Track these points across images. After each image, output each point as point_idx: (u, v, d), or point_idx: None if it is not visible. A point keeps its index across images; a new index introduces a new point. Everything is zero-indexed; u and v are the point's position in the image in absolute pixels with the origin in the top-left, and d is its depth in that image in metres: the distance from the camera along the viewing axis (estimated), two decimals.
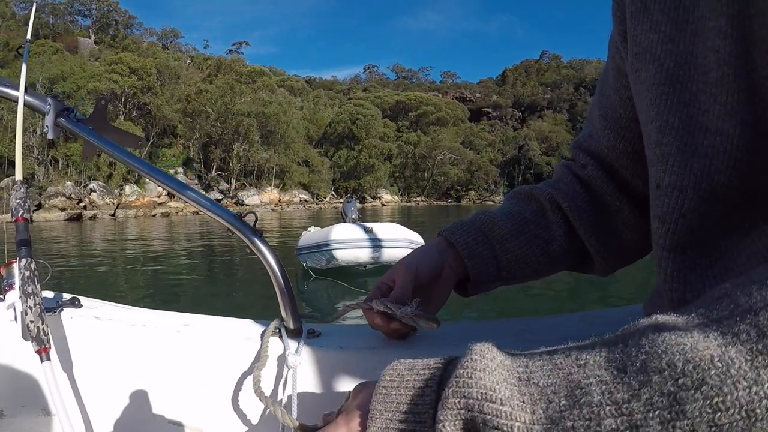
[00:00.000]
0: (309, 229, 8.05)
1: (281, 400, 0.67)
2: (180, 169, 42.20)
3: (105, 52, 49.84)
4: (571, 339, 0.71)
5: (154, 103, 41.11)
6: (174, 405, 0.72)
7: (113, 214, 30.17)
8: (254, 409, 0.69)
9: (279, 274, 0.70)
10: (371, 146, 56.64)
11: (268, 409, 0.54)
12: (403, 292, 0.64)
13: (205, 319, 0.80)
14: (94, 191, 32.11)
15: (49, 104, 0.92)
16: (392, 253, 7.08)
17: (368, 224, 7.26)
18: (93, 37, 61.43)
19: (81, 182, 32.64)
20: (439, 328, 0.60)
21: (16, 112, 0.92)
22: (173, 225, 23.12)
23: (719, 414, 0.24)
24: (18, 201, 0.78)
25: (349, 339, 0.72)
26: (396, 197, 59.67)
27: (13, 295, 0.71)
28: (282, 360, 0.69)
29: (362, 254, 6.97)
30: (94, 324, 0.76)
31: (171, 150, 43.27)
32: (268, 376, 0.69)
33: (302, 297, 6.37)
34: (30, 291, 0.68)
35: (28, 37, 1.07)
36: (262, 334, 0.72)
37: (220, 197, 41.74)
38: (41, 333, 0.66)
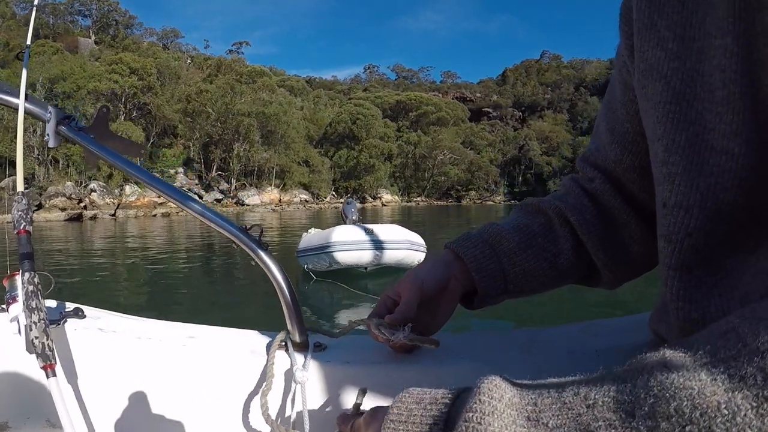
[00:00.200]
0: (309, 230, 8.04)
1: (289, 416, 0.67)
2: (180, 169, 42.21)
3: (105, 52, 49.85)
4: (577, 352, 0.71)
5: (154, 103, 41.11)
6: (180, 420, 0.72)
7: (113, 214, 30.16)
8: (262, 426, 0.69)
9: (285, 288, 0.70)
10: (371, 146, 56.63)
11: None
12: (409, 308, 0.64)
13: (209, 330, 0.80)
14: (95, 191, 32.11)
15: (50, 112, 0.91)
16: (393, 255, 7.07)
17: (369, 226, 7.25)
18: (93, 37, 61.44)
19: (81, 182, 32.65)
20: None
21: (16, 112, 0.91)
22: (173, 225, 23.12)
23: None
24: (20, 213, 0.77)
25: (355, 353, 0.71)
26: (396, 197, 59.65)
27: (17, 308, 0.71)
28: (289, 375, 0.68)
29: (363, 256, 6.96)
30: (99, 336, 0.76)
31: (171, 150, 43.27)
32: (275, 391, 0.68)
33: (303, 300, 6.36)
34: (34, 306, 0.68)
35: (28, 42, 1.06)
36: (268, 347, 0.71)
37: (221, 197, 41.75)
38: (46, 349, 0.65)
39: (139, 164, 0.88)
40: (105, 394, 0.74)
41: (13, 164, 29.07)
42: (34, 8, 1.10)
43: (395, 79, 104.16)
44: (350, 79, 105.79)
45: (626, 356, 0.72)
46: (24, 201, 0.80)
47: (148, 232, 19.09)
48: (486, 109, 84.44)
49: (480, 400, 0.33)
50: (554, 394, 0.32)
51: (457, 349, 0.72)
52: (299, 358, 0.69)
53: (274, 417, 0.62)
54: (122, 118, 38.37)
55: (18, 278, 0.73)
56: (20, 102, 0.89)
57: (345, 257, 6.88)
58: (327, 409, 0.67)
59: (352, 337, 0.77)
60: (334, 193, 54.37)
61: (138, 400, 0.72)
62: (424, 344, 0.61)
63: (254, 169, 45.57)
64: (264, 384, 0.64)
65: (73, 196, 30.14)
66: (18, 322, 0.70)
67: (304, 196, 49.66)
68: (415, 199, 61.99)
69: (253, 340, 0.76)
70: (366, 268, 7.15)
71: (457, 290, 0.68)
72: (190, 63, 58.46)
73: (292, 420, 0.66)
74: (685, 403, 0.26)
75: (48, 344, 0.66)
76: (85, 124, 0.94)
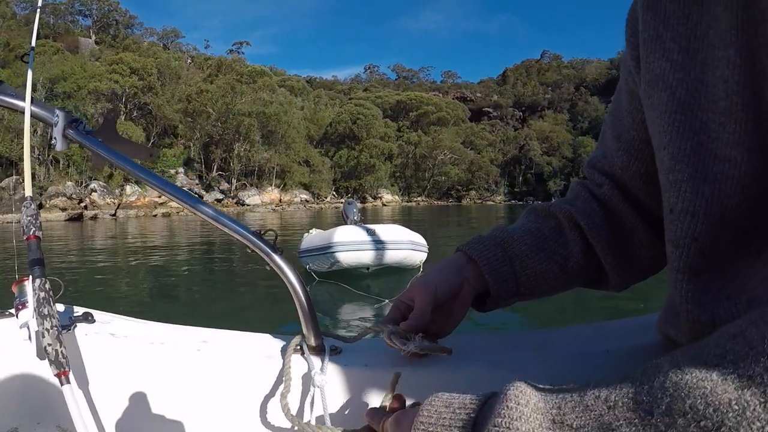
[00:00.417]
0: (310, 231, 8.03)
1: (309, 420, 0.66)
2: (181, 169, 42.21)
3: (106, 52, 49.83)
4: (589, 354, 0.71)
5: (154, 103, 41.12)
6: (196, 427, 0.71)
7: (114, 214, 30.15)
8: (282, 430, 0.68)
9: (300, 291, 0.69)
10: (372, 146, 56.64)
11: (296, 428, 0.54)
12: (422, 315, 0.64)
13: (222, 334, 0.79)
14: (95, 191, 32.11)
15: (57, 116, 0.89)
16: (395, 255, 7.07)
17: (371, 226, 7.25)
18: (94, 37, 61.46)
19: (82, 182, 32.65)
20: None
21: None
22: (174, 225, 23.12)
23: None
24: (29, 218, 0.76)
25: (372, 356, 0.71)
26: (397, 197, 59.66)
27: (27, 314, 0.70)
28: (307, 379, 0.68)
29: (365, 256, 6.95)
30: (110, 342, 0.75)
31: (172, 150, 43.24)
32: (293, 395, 0.68)
33: None
34: (46, 313, 0.67)
35: (33, 44, 1.05)
36: (284, 351, 0.70)
37: (221, 197, 41.75)
38: (60, 356, 0.65)
39: (138, 164, 0.87)
40: (118, 400, 0.73)
41: (12, 164, 29.09)
42: (38, 10, 1.09)
43: (396, 79, 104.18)
44: (351, 79, 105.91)
45: (637, 357, 0.72)
46: (33, 206, 0.79)
47: (149, 232, 19.10)
48: (486, 109, 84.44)
49: (507, 406, 0.35)
50: (576, 398, 0.34)
51: (471, 352, 0.72)
52: (316, 361, 0.68)
53: (292, 421, 0.62)
54: (123, 118, 38.37)
55: (27, 284, 0.72)
56: (26, 106, 0.88)
57: (347, 258, 6.87)
58: (346, 412, 0.67)
59: (367, 339, 0.77)
60: (334, 193, 54.38)
61: (152, 406, 0.71)
62: (436, 353, 0.63)
63: (255, 169, 45.57)
64: (282, 387, 0.63)
65: (74, 196, 30.16)
66: (28, 328, 0.69)
67: (305, 196, 49.66)
68: (415, 199, 62.01)
69: (268, 344, 0.75)
70: (368, 269, 7.14)
71: (470, 294, 0.68)
72: (190, 63, 58.45)
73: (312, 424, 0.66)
74: (699, 401, 0.28)
75: (61, 351, 0.65)
76: (86, 124, 0.92)
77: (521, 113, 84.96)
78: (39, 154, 31.67)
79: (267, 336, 0.78)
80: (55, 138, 0.91)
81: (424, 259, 7.36)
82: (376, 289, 6.53)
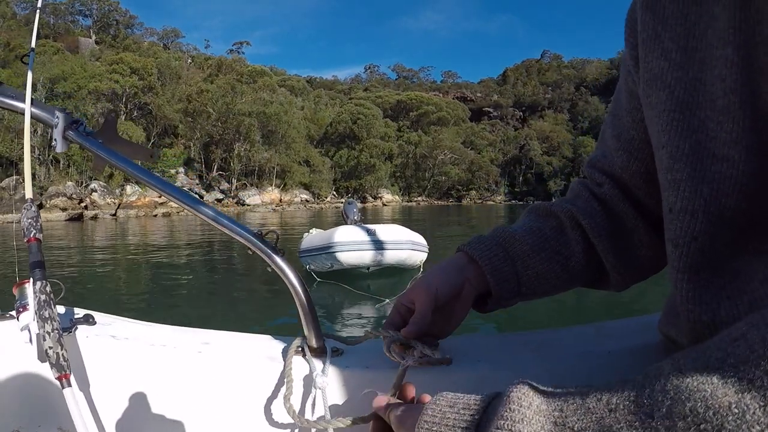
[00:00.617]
0: (311, 231, 8.02)
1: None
2: (181, 169, 42.21)
3: (106, 52, 49.81)
4: (590, 354, 0.71)
5: (155, 103, 41.10)
6: (196, 429, 0.71)
7: (114, 214, 30.14)
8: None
9: (301, 293, 0.69)
10: (372, 146, 56.63)
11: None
12: (423, 319, 0.64)
13: (223, 336, 0.79)
14: (95, 191, 32.10)
15: (57, 117, 0.89)
16: (395, 255, 7.06)
17: (371, 226, 7.24)
18: (94, 37, 61.44)
19: (82, 182, 32.65)
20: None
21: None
22: (175, 225, 23.12)
23: None
24: (29, 221, 0.76)
25: (373, 357, 0.70)
26: (397, 197, 59.65)
27: (27, 317, 0.70)
28: (308, 381, 0.67)
29: (365, 257, 6.95)
30: (111, 344, 0.75)
31: (172, 150, 43.22)
32: (295, 398, 0.68)
33: None
34: (47, 316, 0.67)
35: (33, 45, 1.04)
36: (285, 353, 0.70)
37: (221, 197, 41.74)
38: (61, 359, 0.64)
39: (139, 165, 0.87)
40: (119, 403, 0.73)
41: (12, 164, 29.10)
42: (38, 12, 1.09)
43: (396, 79, 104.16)
44: (351, 79, 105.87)
45: (638, 357, 0.72)
46: (33, 208, 0.78)
47: (149, 232, 19.10)
48: (486, 108, 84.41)
49: (510, 408, 0.35)
50: (578, 400, 0.34)
51: (473, 352, 0.72)
52: (318, 363, 0.68)
53: (298, 421, 0.62)
54: (123, 118, 38.36)
55: (28, 286, 0.72)
56: (26, 107, 0.88)
57: (347, 258, 6.87)
58: (351, 414, 0.67)
59: (368, 341, 0.77)
60: (334, 192, 54.37)
61: (153, 409, 0.71)
62: (435, 364, 0.62)
63: (255, 168, 45.57)
64: (284, 389, 0.63)
65: (74, 196, 30.16)
66: (29, 331, 0.69)
67: (305, 195, 49.66)
68: (415, 199, 62.00)
69: (269, 346, 0.75)
70: (368, 269, 7.14)
71: (471, 294, 0.67)
72: (190, 63, 58.44)
73: None
74: (699, 404, 0.28)
75: (62, 354, 0.65)
76: (87, 124, 0.92)
77: (521, 113, 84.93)
78: (39, 154, 31.68)
79: (268, 337, 0.78)
80: (55, 139, 0.90)
81: (424, 259, 7.36)
82: (377, 289, 6.53)
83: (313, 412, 0.67)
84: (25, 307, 0.71)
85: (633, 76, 0.59)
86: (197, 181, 43.00)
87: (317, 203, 49.37)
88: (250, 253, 0.69)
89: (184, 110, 43.81)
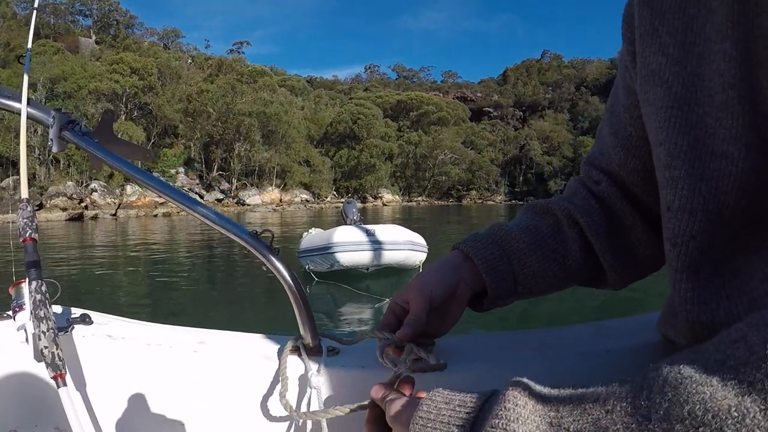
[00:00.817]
0: (310, 230, 8.03)
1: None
2: (181, 169, 42.22)
3: (106, 52, 49.80)
4: (589, 353, 0.71)
5: (155, 103, 41.10)
6: (193, 428, 0.71)
7: (114, 214, 30.16)
8: (279, 430, 0.68)
9: (297, 292, 0.69)
10: (372, 146, 56.61)
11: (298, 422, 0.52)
12: (418, 320, 0.63)
13: (219, 335, 0.79)
14: (96, 191, 32.11)
15: (53, 117, 0.89)
16: (395, 256, 7.07)
17: (370, 226, 7.25)
18: (94, 37, 61.44)
19: (82, 182, 32.67)
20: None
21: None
22: (175, 225, 23.12)
23: None
24: (25, 221, 0.76)
25: (369, 357, 0.70)
26: (397, 197, 59.65)
27: (24, 317, 0.70)
28: (304, 380, 0.67)
29: (365, 257, 6.95)
30: (108, 343, 0.75)
31: (172, 150, 43.23)
32: (290, 396, 0.68)
33: None
34: (42, 315, 0.67)
35: (29, 45, 1.04)
36: (280, 352, 0.70)
37: (222, 197, 41.75)
38: (56, 359, 0.65)
39: (139, 166, 0.87)
40: (115, 402, 0.73)
41: (12, 163, 29.09)
42: (35, 11, 1.09)
43: (396, 79, 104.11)
44: (351, 79, 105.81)
45: (637, 356, 0.72)
46: (29, 208, 0.79)
47: (149, 232, 19.10)
48: (487, 108, 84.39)
49: (505, 407, 0.35)
50: (575, 401, 0.34)
51: (471, 351, 0.71)
52: (313, 363, 0.68)
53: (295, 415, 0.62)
54: (123, 118, 38.36)
55: (24, 286, 0.72)
56: (22, 107, 0.87)
57: (346, 258, 6.87)
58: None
59: (364, 340, 0.76)
60: (335, 192, 54.36)
61: (150, 408, 0.71)
62: (428, 371, 0.60)
63: (255, 168, 45.57)
64: (280, 387, 0.63)
65: (74, 195, 30.17)
66: (25, 330, 0.69)
67: (305, 195, 49.65)
68: (415, 199, 61.98)
69: (265, 345, 0.75)
70: (367, 269, 7.15)
71: (466, 294, 0.67)
72: (190, 63, 58.42)
73: (308, 427, 0.66)
74: (698, 407, 0.28)
75: (58, 354, 0.65)
76: (87, 124, 0.92)
77: (522, 113, 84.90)
78: (39, 154, 31.68)
79: (264, 336, 0.78)
80: (51, 140, 0.90)
81: (423, 260, 7.36)
82: (376, 289, 6.53)
83: (308, 410, 0.67)
84: (21, 307, 0.71)
85: (630, 72, 0.59)
86: (197, 181, 43.01)
87: (317, 203, 49.38)
88: (246, 252, 0.69)
89: (184, 110, 43.82)
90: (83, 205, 30.04)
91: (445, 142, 62.20)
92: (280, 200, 46.10)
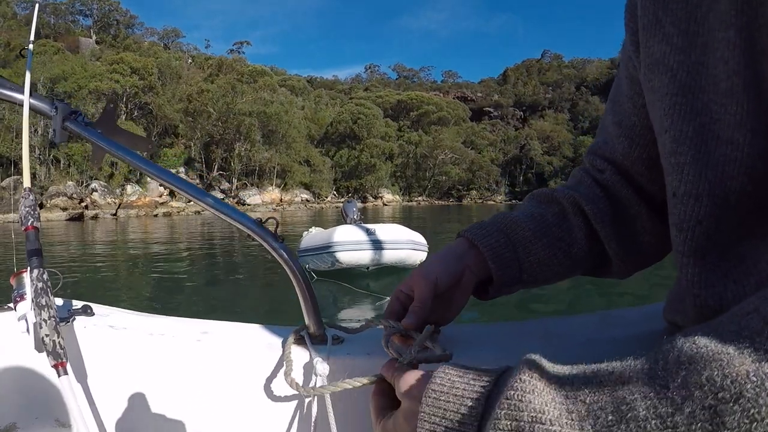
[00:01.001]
0: (310, 230, 8.01)
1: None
2: (181, 169, 42.24)
3: (106, 51, 49.82)
4: (595, 341, 0.70)
5: (155, 103, 41.13)
6: (196, 418, 0.70)
7: (115, 214, 30.19)
8: (281, 420, 0.68)
9: (302, 281, 0.69)
10: (372, 146, 56.64)
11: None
12: (423, 308, 0.62)
13: (222, 325, 0.78)
14: (96, 191, 32.15)
15: (56, 107, 0.89)
16: (395, 255, 7.06)
17: (371, 225, 7.23)
18: (94, 37, 61.46)
19: (82, 182, 32.69)
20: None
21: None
22: (175, 224, 23.13)
23: (755, 424, 0.26)
24: (27, 209, 0.75)
25: (374, 345, 0.69)
26: (397, 197, 59.67)
27: (25, 306, 0.69)
28: (309, 367, 0.67)
29: (365, 256, 6.94)
30: (109, 333, 0.74)
31: (172, 150, 43.28)
32: (296, 374, 0.67)
33: None
34: (44, 303, 0.67)
35: (31, 38, 1.04)
36: (285, 342, 0.70)
37: (222, 197, 41.71)
38: (57, 347, 0.64)
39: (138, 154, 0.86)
40: (117, 392, 0.72)
41: (13, 164, 29.11)
42: (37, 5, 1.09)
43: (396, 79, 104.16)
44: (351, 79, 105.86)
45: (643, 345, 0.70)
46: (31, 197, 0.78)
47: (150, 231, 19.10)
48: (487, 108, 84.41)
49: (521, 379, 0.35)
50: (590, 374, 0.34)
51: (477, 340, 0.71)
52: (318, 350, 0.68)
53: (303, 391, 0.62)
54: (123, 117, 38.39)
55: (26, 275, 0.71)
56: (25, 98, 0.87)
57: (346, 257, 6.86)
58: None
59: (369, 329, 0.76)
60: (335, 192, 54.38)
61: (153, 397, 0.71)
62: (433, 362, 0.57)
63: (255, 168, 45.61)
64: (284, 370, 0.63)
65: (75, 195, 30.20)
66: (26, 320, 0.68)
67: (305, 195, 49.68)
68: (416, 199, 62.01)
69: (268, 334, 0.74)
70: (368, 268, 7.14)
71: (471, 281, 0.66)
72: (191, 63, 58.43)
73: (314, 414, 0.65)
74: (716, 373, 0.28)
75: (59, 342, 0.64)
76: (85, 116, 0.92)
77: (522, 113, 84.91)
78: (40, 154, 31.71)
79: (268, 327, 0.77)
80: (53, 130, 0.90)
81: (423, 259, 7.35)
82: (376, 288, 6.53)
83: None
84: (22, 297, 0.70)
85: (633, 62, 0.59)
86: (198, 180, 43.00)
87: (318, 203, 49.40)
88: (251, 240, 0.68)
89: (184, 110, 43.85)
90: (83, 204, 30.08)
91: (445, 142, 62.23)
92: (281, 200, 46.12)
